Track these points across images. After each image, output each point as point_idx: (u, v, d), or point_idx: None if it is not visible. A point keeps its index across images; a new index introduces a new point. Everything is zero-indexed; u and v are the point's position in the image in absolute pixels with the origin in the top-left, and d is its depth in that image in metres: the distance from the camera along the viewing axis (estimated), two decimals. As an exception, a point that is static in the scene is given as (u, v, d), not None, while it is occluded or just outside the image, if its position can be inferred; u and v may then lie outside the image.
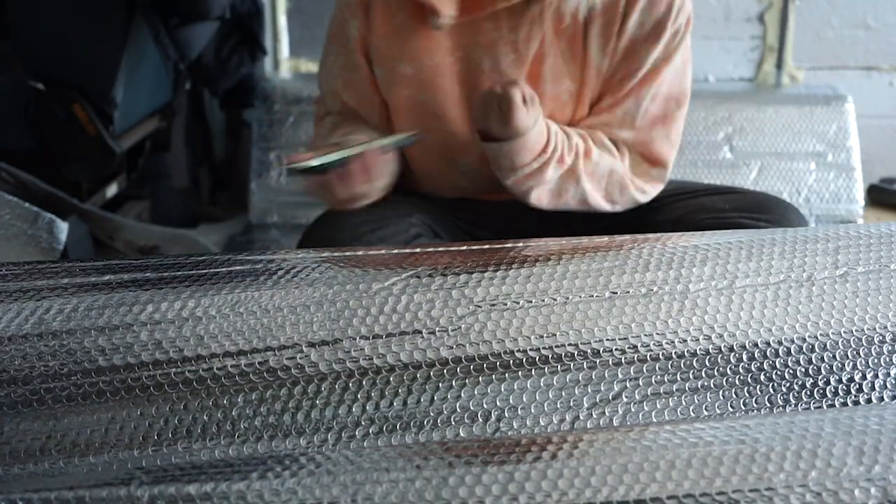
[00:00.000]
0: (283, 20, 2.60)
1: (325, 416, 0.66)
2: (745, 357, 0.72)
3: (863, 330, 0.74)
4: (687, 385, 0.70)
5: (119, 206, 2.07)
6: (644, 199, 1.24)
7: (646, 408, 0.69)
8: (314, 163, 1.06)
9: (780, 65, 2.64)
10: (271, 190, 2.24)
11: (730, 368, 0.71)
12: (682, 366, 0.71)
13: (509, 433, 0.67)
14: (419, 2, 1.15)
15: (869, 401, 0.71)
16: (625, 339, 0.71)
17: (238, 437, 0.65)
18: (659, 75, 1.18)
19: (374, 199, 1.19)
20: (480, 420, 0.67)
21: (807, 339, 0.73)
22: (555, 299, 0.73)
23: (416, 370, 0.68)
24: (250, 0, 2.29)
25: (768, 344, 0.72)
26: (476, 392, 0.68)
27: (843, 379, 0.72)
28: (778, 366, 0.72)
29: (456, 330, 0.70)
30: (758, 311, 0.74)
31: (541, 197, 1.18)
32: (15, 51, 1.76)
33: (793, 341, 0.73)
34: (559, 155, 1.15)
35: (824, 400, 0.71)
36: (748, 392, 0.71)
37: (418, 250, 0.84)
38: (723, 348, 0.72)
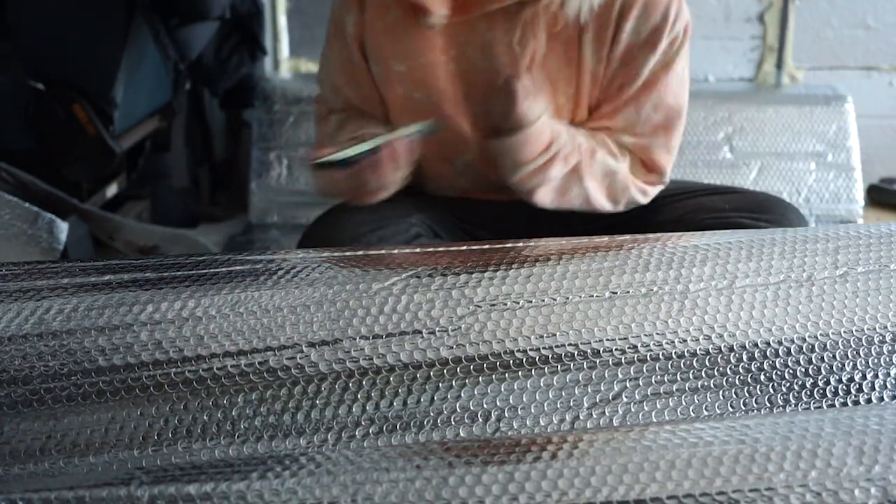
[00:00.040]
0: (283, 20, 2.60)
1: (325, 416, 0.66)
2: (745, 357, 0.72)
3: (863, 330, 0.74)
4: (687, 385, 0.70)
5: (119, 206, 2.07)
6: (644, 199, 1.24)
7: (646, 408, 0.69)
8: (349, 152, 1.04)
9: (780, 65, 2.64)
10: (271, 190, 2.24)
11: (730, 368, 0.71)
12: (682, 366, 0.71)
13: (509, 433, 0.67)
14: (411, 0, 1.15)
15: (869, 401, 0.71)
16: (625, 339, 0.71)
17: (238, 437, 0.65)
18: (659, 83, 1.18)
19: (393, 192, 1.17)
20: (480, 420, 0.67)
21: (807, 339, 0.73)
22: (555, 299, 0.73)
23: (416, 370, 0.68)
24: (250, 0, 2.29)
25: (768, 344, 0.72)
26: (476, 392, 0.68)
27: (843, 379, 0.72)
28: (778, 366, 0.72)
29: (456, 330, 0.70)
30: (758, 311, 0.74)
31: (544, 196, 1.18)
32: (15, 51, 1.76)
33: (793, 341, 0.73)
34: (565, 153, 1.15)
35: (824, 400, 0.71)
36: (748, 392, 0.71)
37: (418, 250, 0.84)
38: (723, 348, 0.72)
